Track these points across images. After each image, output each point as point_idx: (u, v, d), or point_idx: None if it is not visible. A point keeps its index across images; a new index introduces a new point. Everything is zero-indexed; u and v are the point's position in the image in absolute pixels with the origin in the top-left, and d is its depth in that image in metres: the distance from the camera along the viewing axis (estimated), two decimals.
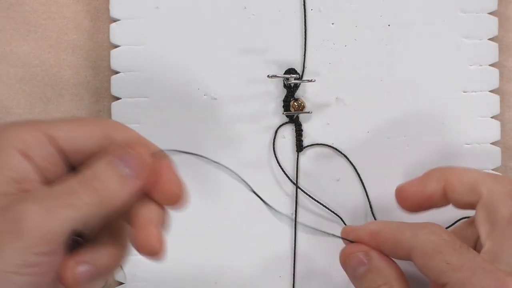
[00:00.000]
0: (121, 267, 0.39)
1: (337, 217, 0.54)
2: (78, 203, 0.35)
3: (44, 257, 0.34)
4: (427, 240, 0.39)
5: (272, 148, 0.55)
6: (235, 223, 0.55)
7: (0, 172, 0.35)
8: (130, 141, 0.37)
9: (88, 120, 0.38)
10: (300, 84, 0.54)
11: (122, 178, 0.36)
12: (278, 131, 0.55)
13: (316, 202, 0.54)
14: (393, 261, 0.42)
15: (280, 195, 0.55)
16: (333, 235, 0.43)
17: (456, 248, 0.39)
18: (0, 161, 0.35)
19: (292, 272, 0.55)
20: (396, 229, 0.41)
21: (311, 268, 0.55)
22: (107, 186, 0.36)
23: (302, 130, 0.55)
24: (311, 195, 0.55)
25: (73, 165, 0.38)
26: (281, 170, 0.55)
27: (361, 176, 0.55)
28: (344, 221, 0.54)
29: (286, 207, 0.55)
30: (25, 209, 0.34)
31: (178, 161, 0.40)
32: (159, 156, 0.38)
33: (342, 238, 0.43)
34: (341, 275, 0.53)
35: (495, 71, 0.55)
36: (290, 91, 0.54)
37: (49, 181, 0.37)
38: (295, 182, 0.55)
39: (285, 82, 0.54)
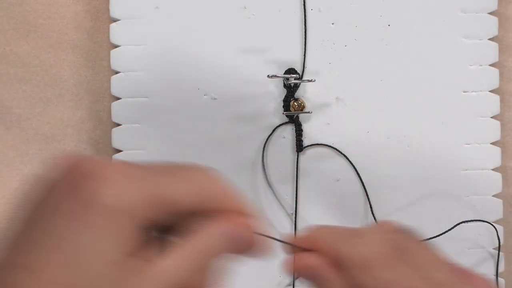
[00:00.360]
0: None
1: (334, 217, 0.54)
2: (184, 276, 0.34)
3: None
4: (361, 251, 0.37)
5: (262, 150, 0.55)
6: None
7: (113, 244, 0.31)
8: (221, 203, 0.35)
9: (190, 176, 0.35)
10: (300, 84, 0.54)
11: (232, 254, 0.35)
12: (276, 130, 0.55)
13: (316, 201, 0.54)
14: None
15: (280, 195, 0.55)
16: (286, 242, 0.40)
17: (389, 262, 0.37)
18: (119, 233, 0.32)
19: (293, 272, 0.55)
20: (334, 236, 0.38)
21: None
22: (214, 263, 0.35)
23: (302, 130, 0.55)
24: (311, 195, 0.55)
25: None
26: (280, 170, 0.55)
27: (361, 176, 0.55)
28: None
29: (285, 206, 0.55)
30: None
31: None
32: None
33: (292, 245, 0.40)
34: None
35: (495, 71, 0.55)
36: (290, 91, 0.54)
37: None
38: (296, 183, 0.55)
39: (285, 82, 0.54)
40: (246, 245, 0.36)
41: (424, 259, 0.38)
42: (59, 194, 0.32)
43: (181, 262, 0.34)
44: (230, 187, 0.36)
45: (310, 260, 0.39)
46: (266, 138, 0.55)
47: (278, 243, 0.38)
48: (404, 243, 0.38)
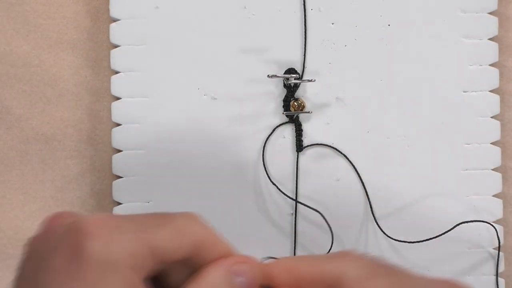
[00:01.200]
0: None
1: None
2: None
3: None
4: (360, 265, 0.37)
5: (262, 150, 0.55)
6: (235, 223, 0.55)
7: None
8: (219, 255, 0.36)
9: (181, 226, 0.35)
10: (300, 84, 0.54)
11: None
12: (275, 130, 0.55)
13: (316, 201, 0.54)
14: None
15: (279, 194, 0.55)
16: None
17: (391, 271, 0.37)
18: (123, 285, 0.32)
19: None
20: (316, 262, 0.38)
21: None
22: None
23: (302, 130, 0.55)
24: (311, 195, 0.55)
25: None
26: (280, 170, 0.55)
27: (361, 176, 0.55)
28: (325, 217, 0.53)
29: (286, 206, 0.55)
30: None
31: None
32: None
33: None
34: None
35: (495, 71, 0.55)
36: (290, 91, 0.54)
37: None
38: (296, 183, 0.55)
39: (285, 82, 0.54)
40: (251, 277, 0.36)
41: (408, 274, 0.38)
42: (48, 251, 0.33)
43: None
44: (219, 234, 0.36)
45: None
46: (266, 138, 0.55)
47: None
48: (384, 263, 0.38)
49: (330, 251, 0.53)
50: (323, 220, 0.53)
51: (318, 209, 0.53)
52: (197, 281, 0.35)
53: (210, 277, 0.35)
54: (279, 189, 0.54)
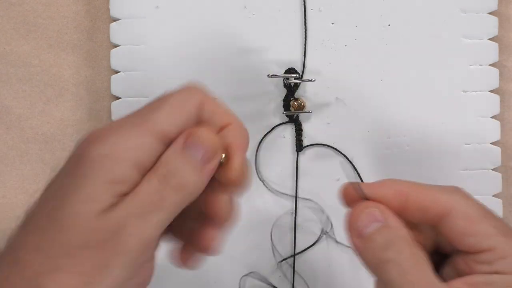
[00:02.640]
0: None
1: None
2: (166, 204, 0.34)
3: (146, 264, 0.35)
4: (471, 204, 0.38)
5: (256, 149, 0.55)
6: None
7: (114, 188, 0.34)
8: (216, 115, 0.37)
9: (181, 98, 0.37)
10: (300, 83, 0.54)
11: (197, 168, 0.35)
12: (275, 130, 0.55)
13: (316, 201, 0.54)
14: None
15: (279, 194, 0.55)
16: (355, 185, 0.39)
17: (496, 216, 0.38)
18: (113, 179, 0.34)
19: (292, 272, 0.55)
20: (429, 191, 0.39)
21: (310, 267, 0.55)
22: (187, 181, 0.35)
23: (302, 130, 0.55)
24: (311, 194, 0.55)
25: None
26: (279, 169, 0.55)
27: (361, 176, 0.55)
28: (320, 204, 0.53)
29: (286, 206, 0.55)
30: (125, 224, 0.34)
31: None
32: None
33: (356, 191, 0.39)
34: (340, 274, 0.53)
35: (495, 71, 0.55)
36: (290, 90, 0.54)
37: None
38: (296, 183, 0.55)
39: (285, 81, 0.54)
40: (212, 153, 0.36)
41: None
42: (65, 162, 0.36)
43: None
44: (220, 103, 0.38)
45: (378, 205, 0.38)
46: (263, 136, 0.55)
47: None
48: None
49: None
50: (323, 219, 0.53)
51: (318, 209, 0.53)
52: (159, 163, 0.35)
53: (169, 159, 0.35)
54: (276, 190, 0.54)
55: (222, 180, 0.37)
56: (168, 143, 0.36)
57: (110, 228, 0.33)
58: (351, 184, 0.39)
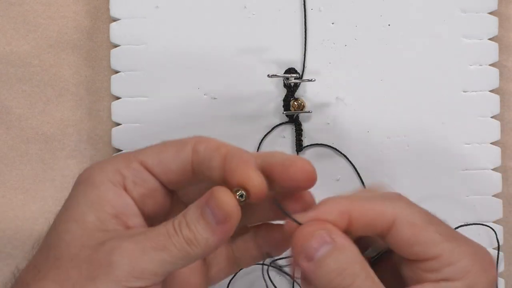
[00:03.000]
0: None
1: None
2: (172, 249, 0.35)
3: None
4: (414, 211, 0.37)
5: (257, 149, 0.55)
6: None
7: (99, 208, 0.36)
8: (213, 152, 0.37)
9: (174, 141, 0.38)
10: (300, 83, 0.54)
11: (212, 228, 0.35)
12: (275, 130, 0.55)
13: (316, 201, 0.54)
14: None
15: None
16: (293, 220, 0.37)
17: (440, 220, 0.38)
18: (98, 197, 0.36)
19: (292, 272, 0.55)
20: (370, 204, 0.37)
21: None
22: (199, 237, 0.35)
23: (302, 130, 0.55)
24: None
25: (171, 187, 0.39)
26: None
27: (361, 176, 0.55)
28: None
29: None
30: (120, 245, 0.34)
31: None
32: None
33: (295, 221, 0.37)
34: None
35: (495, 71, 0.55)
36: (290, 90, 0.54)
37: (149, 212, 0.38)
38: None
39: (285, 81, 0.54)
40: (226, 219, 0.35)
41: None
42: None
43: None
44: (221, 143, 0.37)
45: (324, 225, 0.36)
46: (263, 136, 0.55)
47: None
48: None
49: None
50: None
51: None
52: (180, 213, 0.36)
53: (188, 211, 0.36)
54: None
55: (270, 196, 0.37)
56: (155, 178, 0.38)
57: (105, 248, 0.34)
58: (287, 219, 0.38)
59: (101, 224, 0.35)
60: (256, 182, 0.35)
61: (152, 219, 0.38)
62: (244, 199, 0.35)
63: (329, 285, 0.35)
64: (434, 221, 0.37)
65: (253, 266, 0.54)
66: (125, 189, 0.37)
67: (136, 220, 0.37)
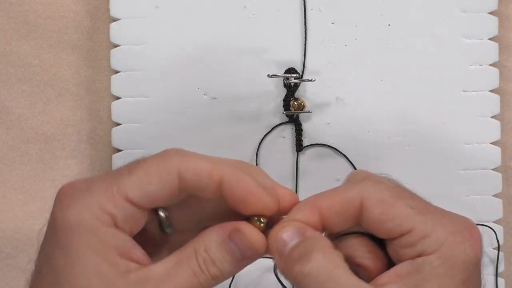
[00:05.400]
0: None
1: None
2: (199, 287, 0.35)
3: None
4: (382, 188, 0.36)
5: (257, 149, 0.55)
6: None
7: (107, 255, 0.34)
8: (205, 180, 0.35)
9: (156, 167, 0.35)
10: (300, 83, 0.54)
11: (238, 263, 0.35)
12: (275, 130, 0.55)
13: None
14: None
15: None
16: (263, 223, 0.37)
17: (412, 194, 0.37)
18: (101, 243, 0.34)
19: None
20: (336, 194, 0.36)
21: None
22: (225, 271, 0.35)
23: (302, 130, 0.55)
24: (311, 194, 0.54)
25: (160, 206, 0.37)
26: (280, 169, 0.55)
27: None
28: None
29: None
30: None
31: None
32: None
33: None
34: None
35: (495, 71, 0.55)
36: (290, 90, 0.54)
37: (142, 236, 0.37)
38: (296, 183, 0.55)
39: (285, 81, 0.54)
40: (250, 252, 0.36)
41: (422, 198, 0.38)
42: (47, 225, 0.36)
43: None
44: (209, 165, 0.35)
45: (293, 222, 0.36)
46: (263, 136, 0.55)
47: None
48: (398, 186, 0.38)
49: None
50: None
51: None
52: (195, 243, 0.35)
53: (208, 239, 0.35)
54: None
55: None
56: (147, 206, 0.36)
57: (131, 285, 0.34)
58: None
59: (116, 270, 0.34)
60: (272, 206, 0.36)
61: (147, 238, 0.37)
62: (265, 224, 0.36)
63: (293, 275, 0.35)
64: (404, 194, 0.36)
65: (254, 266, 0.54)
66: (117, 227, 0.35)
67: (138, 251, 0.35)
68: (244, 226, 0.35)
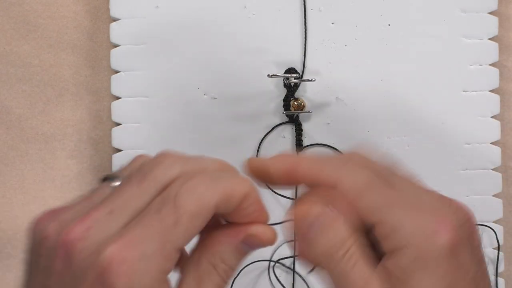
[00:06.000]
0: None
1: None
2: None
3: None
4: (358, 174, 0.34)
5: (257, 148, 0.55)
6: None
7: None
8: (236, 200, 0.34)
9: (197, 209, 0.33)
10: (300, 83, 0.54)
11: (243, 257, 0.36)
12: (275, 130, 0.55)
13: None
14: None
15: (280, 195, 0.55)
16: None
17: (389, 185, 0.34)
18: None
19: (292, 273, 0.55)
20: (314, 165, 0.35)
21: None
22: (236, 268, 0.36)
23: (302, 130, 0.55)
24: None
25: None
26: None
27: None
28: None
29: (286, 206, 0.55)
30: None
31: None
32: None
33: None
34: None
35: (495, 71, 0.55)
36: (290, 90, 0.54)
37: None
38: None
39: (285, 81, 0.54)
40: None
41: (408, 186, 0.36)
42: (72, 278, 0.32)
43: None
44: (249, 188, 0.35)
45: (310, 204, 0.34)
46: (263, 136, 0.55)
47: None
48: (385, 171, 0.35)
49: None
50: None
51: None
52: (209, 258, 0.35)
53: (222, 251, 0.35)
54: (274, 191, 0.54)
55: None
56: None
57: None
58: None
59: None
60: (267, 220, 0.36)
61: None
62: None
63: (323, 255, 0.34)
64: (377, 183, 0.34)
65: (255, 265, 0.54)
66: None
67: None
68: (256, 229, 0.35)
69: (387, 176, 0.35)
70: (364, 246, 0.34)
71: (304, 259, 0.35)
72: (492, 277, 0.55)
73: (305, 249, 0.35)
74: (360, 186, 0.34)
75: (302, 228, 0.35)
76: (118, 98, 0.55)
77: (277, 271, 0.55)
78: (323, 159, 0.36)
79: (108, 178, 0.36)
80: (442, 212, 0.33)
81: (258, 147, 0.55)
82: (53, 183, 0.56)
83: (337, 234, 0.34)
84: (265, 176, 0.36)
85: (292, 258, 0.55)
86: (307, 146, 0.55)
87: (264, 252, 0.54)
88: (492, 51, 0.55)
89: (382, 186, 0.34)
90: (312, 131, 0.55)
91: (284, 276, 0.55)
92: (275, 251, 0.54)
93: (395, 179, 0.35)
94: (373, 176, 0.34)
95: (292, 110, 0.54)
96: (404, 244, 0.32)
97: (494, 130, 0.55)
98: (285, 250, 0.54)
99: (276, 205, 0.54)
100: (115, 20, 0.55)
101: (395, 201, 0.34)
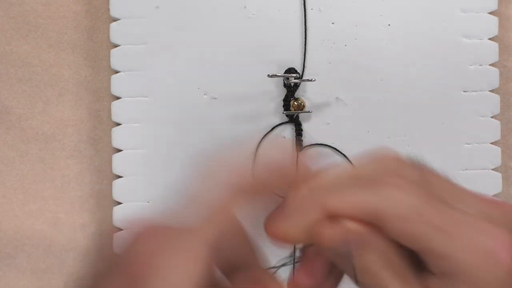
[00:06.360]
0: None
1: None
2: None
3: None
4: (400, 200, 0.31)
5: (256, 148, 0.55)
6: None
7: None
8: None
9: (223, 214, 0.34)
10: (300, 83, 0.54)
11: None
12: (275, 130, 0.55)
13: None
14: None
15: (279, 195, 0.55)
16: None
17: (435, 205, 0.31)
18: None
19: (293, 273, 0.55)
20: (350, 193, 0.32)
21: None
22: None
23: (302, 130, 0.55)
24: None
25: None
26: None
27: None
28: None
29: None
30: None
31: None
32: None
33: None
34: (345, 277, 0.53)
35: (495, 71, 0.55)
36: (290, 90, 0.54)
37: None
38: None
39: (285, 81, 0.54)
40: None
41: (452, 193, 0.33)
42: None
43: None
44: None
45: (349, 224, 0.31)
46: (263, 136, 0.55)
47: None
48: (425, 180, 0.33)
49: None
50: None
51: None
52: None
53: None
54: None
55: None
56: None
57: None
58: None
59: None
60: None
61: None
62: None
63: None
64: (427, 205, 0.31)
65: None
66: None
67: None
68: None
69: (425, 186, 0.32)
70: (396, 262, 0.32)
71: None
72: None
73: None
74: (405, 213, 0.31)
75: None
76: (118, 98, 0.55)
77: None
78: (357, 187, 0.32)
79: None
80: (497, 226, 0.31)
81: (257, 148, 0.55)
82: (53, 183, 0.56)
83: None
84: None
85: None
86: (307, 146, 0.55)
87: None
88: (492, 51, 0.55)
89: (425, 209, 0.31)
90: (312, 131, 0.55)
91: None
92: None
93: (434, 188, 0.33)
94: (417, 198, 0.31)
95: (292, 110, 0.54)
96: (455, 271, 0.30)
97: (494, 130, 0.56)
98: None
99: None
100: (115, 20, 0.55)
101: (441, 224, 0.31)
